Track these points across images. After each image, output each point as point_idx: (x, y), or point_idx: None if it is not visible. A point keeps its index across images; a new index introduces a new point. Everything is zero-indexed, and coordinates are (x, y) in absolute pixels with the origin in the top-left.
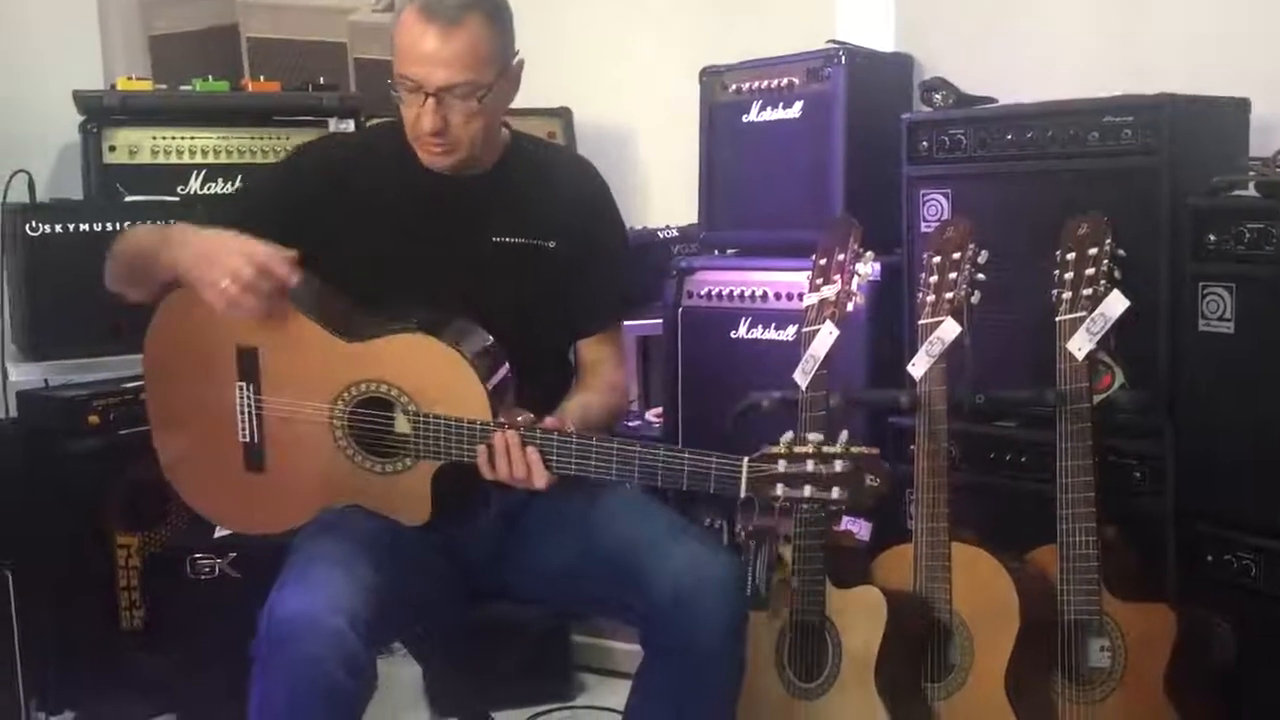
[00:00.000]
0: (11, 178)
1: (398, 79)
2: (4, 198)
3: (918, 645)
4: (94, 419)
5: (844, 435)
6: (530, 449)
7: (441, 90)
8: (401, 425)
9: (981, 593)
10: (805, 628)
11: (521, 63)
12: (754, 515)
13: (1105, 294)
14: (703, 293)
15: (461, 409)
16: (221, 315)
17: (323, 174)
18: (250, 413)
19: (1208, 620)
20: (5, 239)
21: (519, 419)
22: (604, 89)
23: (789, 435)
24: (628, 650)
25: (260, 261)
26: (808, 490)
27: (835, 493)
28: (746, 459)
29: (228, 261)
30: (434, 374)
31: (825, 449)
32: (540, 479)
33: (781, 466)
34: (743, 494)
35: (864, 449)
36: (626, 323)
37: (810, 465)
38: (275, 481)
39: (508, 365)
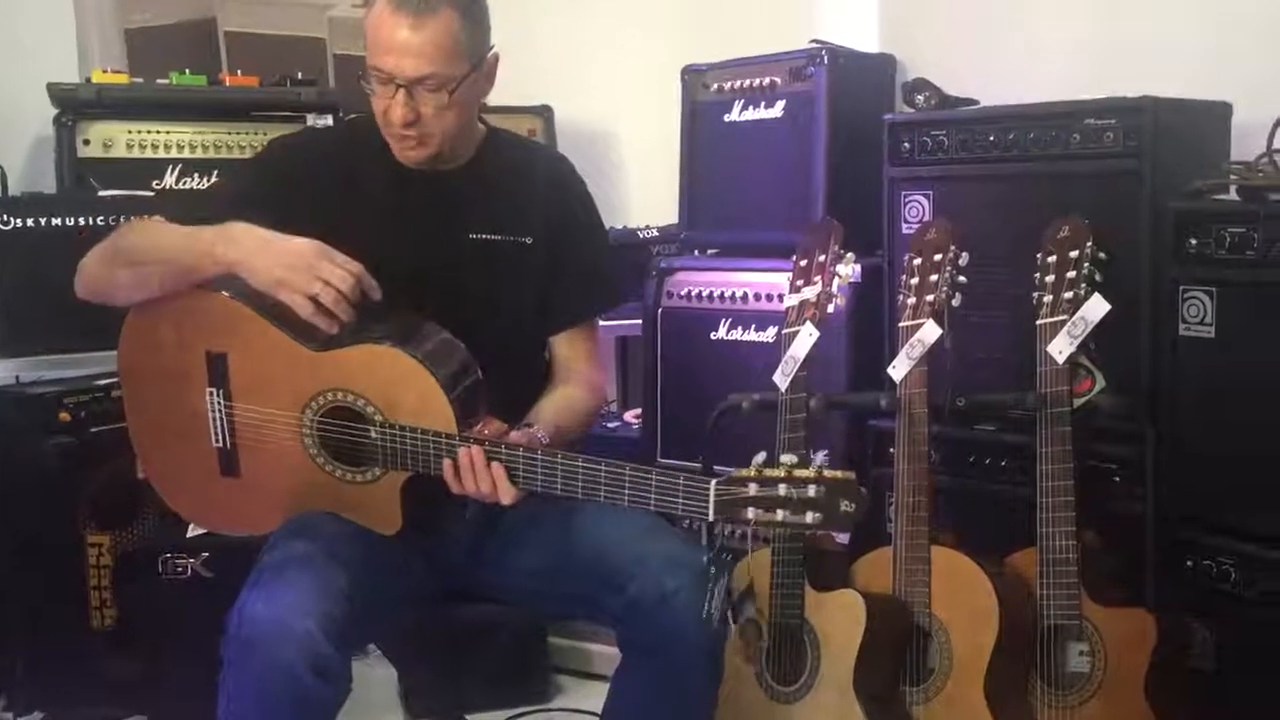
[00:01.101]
0: None
1: (370, 70)
2: None
3: (897, 649)
4: (65, 416)
5: (820, 457)
6: (495, 465)
7: (412, 82)
8: (373, 435)
9: (961, 596)
10: (784, 631)
11: (497, 57)
12: (719, 539)
13: (1086, 297)
14: (683, 293)
15: (427, 421)
16: (304, 319)
17: (297, 169)
18: (222, 418)
19: (1187, 625)
20: None
21: (487, 431)
22: (585, 87)
23: (761, 457)
24: (605, 652)
25: (355, 271)
26: (780, 514)
27: (809, 517)
28: (714, 481)
29: (319, 266)
30: (400, 386)
31: (798, 472)
32: (506, 495)
33: (753, 490)
34: (711, 516)
35: (838, 473)
36: (605, 323)
37: (782, 489)
38: (250, 486)
39: (478, 372)
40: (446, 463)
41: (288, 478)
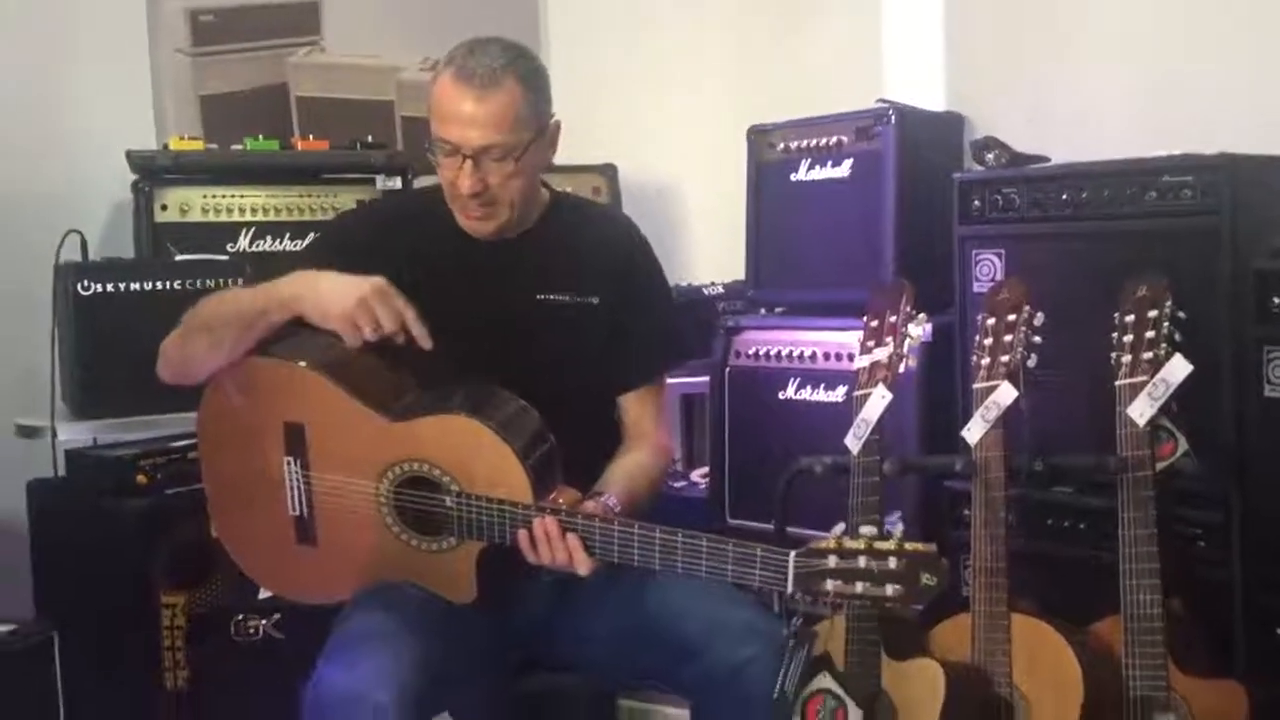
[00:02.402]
0: (65, 237)
1: (435, 142)
2: (57, 257)
3: None
4: (142, 478)
5: (899, 528)
6: (571, 535)
7: (478, 152)
8: (448, 504)
9: (1043, 666)
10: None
11: (559, 124)
12: (799, 610)
13: (1166, 358)
14: (750, 352)
15: (503, 490)
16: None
17: (363, 242)
18: (299, 487)
19: None
20: (57, 298)
21: (561, 500)
22: (649, 145)
23: (840, 528)
24: (674, 716)
25: (408, 317)
26: (860, 587)
27: (889, 590)
28: (794, 553)
29: (371, 303)
30: (475, 456)
31: (878, 545)
32: (583, 566)
33: (832, 562)
34: (789, 589)
35: (920, 546)
36: (670, 380)
37: (863, 562)
38: (326, 555)
39: (552, 439)
40: (522, 533)
41: (364, 547)
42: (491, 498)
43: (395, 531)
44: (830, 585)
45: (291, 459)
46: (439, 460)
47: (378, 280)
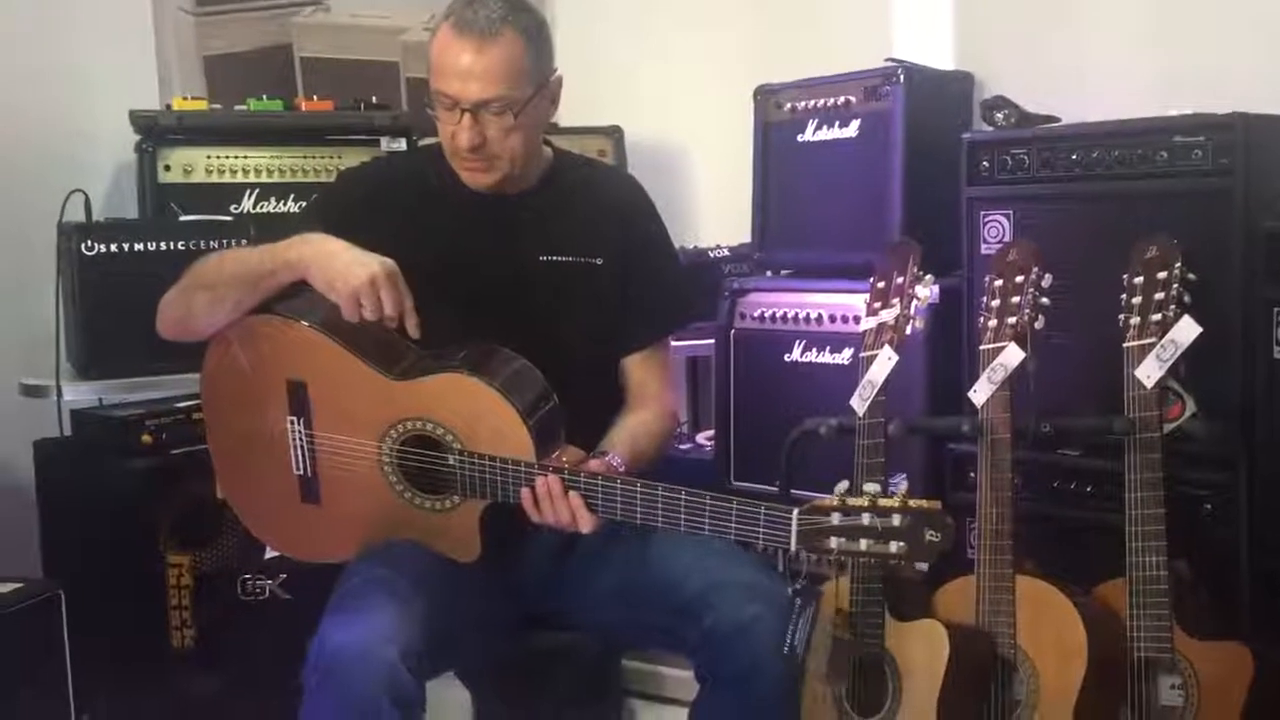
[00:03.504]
0: (68, 198)
1: (434, 96)
2: (60, 217)
3: (980, 681)
4: (147, 438)
5: (903, 485)
6: (573, 494)
7: (478, 105)
8: (451, 463)
9: (1047, 628)
10: (864, 661)
11: (560, 79)
12: (804, 570)
13: (1175, 319)
14: (756, 314)
15: (506, 449)
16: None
17: (363, 200)
18: (302, 446)
19: None
20: (61, 258)
21: (564, 459)
22: (655, 107)
23: (843, 485)
24: (678, 676)
25: (405, 307)
26: (864, 544)
27: (893, 547)
28: (796, 510)
29: (378, 285)
30: (478, 415)
31: (882, 502)
32: (585, 524)
33: (835, 520)
34: (793, 546)
35: (924, 502)
36: (676, 343)
37: (866, 519)
38: (330, 514)
39: (555, 399)
40: (524, 491)
41: (367, 505)
42: (494, 456)
43: (399, 490)
44: (834, 542)
45: (295, 418)
46: (442, 419)
47: (389, 263)
